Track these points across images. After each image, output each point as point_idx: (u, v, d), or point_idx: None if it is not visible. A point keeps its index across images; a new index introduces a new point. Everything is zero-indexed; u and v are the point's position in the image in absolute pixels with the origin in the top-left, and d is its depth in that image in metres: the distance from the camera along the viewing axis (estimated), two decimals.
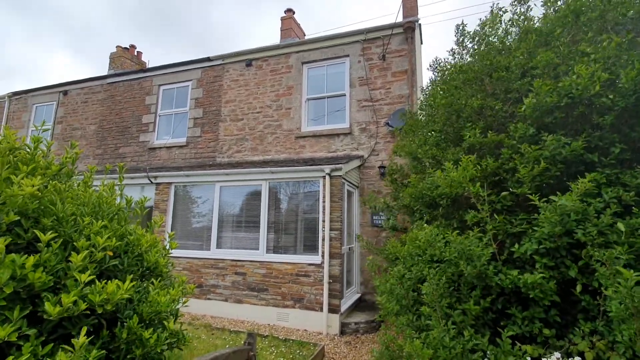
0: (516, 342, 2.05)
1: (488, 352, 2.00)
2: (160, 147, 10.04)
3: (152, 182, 7.60)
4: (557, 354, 1.90)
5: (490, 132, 2.56)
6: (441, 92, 3.36)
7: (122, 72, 11.47)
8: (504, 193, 2.35)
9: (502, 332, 2.19)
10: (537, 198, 2.08)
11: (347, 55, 8.53)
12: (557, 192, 2.09)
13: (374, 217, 7.53)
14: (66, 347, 1.42)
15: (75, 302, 1.51)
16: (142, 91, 10.68)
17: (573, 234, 1.91)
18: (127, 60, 14.25)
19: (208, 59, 9.82)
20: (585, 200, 1.96)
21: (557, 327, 2.07)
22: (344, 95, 8.47)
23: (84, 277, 1.53)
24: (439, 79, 4.36)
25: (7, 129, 1.84)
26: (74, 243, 1.67)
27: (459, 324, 2.16)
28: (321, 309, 5.93)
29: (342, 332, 5.87)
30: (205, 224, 7.30)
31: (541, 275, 1.86)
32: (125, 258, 1.99)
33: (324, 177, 6.34)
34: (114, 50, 14.21)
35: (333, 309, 5.90)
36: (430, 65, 4.58)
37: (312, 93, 8.82)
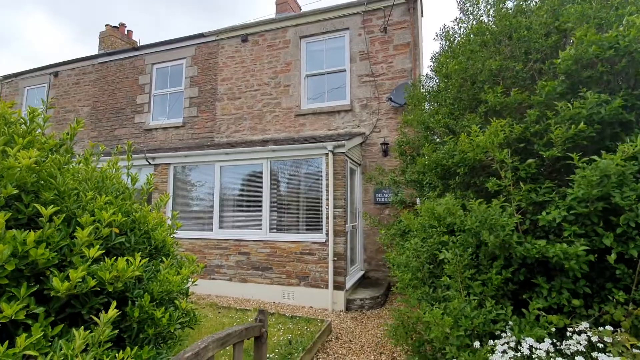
0: (540, 312, 2.00)
1: (511, 322, 1.95)
2: (157, 128, 9.81)
3: (150, 163, 7.44)
4: (585, 324, 1.85)
5: (514, 90, 2.43)
6: (454, 58, 3.20)
7: (113, 51, 11.07)
8: (529, 160, 2.24)
9: (526, 304, 2.14)
10: (574, 159, 1.97)
11: (347, 29, 8.22)
12: (589, 156, 1.99)
13: (377, 195, 7.46)
14: (94, 317, 1.35)
15: (84, 279, 1.41)
16: (135, 70, 10.34)
17: (610, 199, 1.82)
18: (117, 40, 13.78)
19: (202, 35, 9.45)
20: (619, 164, 1.86)
21: (582, 296, 2.01)
22: (344, 70, 8.22)
23: (92, 252, 1.43)
24: (447, 47, 4.17)
25: (1, 101, 1.71)
26: (78, 219, 1.56)
27: (478, 295, 2.10)
28: (326, 286, 5.94)
29: (348, 309, 5.90)
30: (207, 204, 7.21)
31: (584, 247, 1.77)
32: (132, 236, 1.88)
33: (326, 155, 6.21)
34: (103, 29, 13.73)
35: (338, 286, 5.91)
36: (437, 34, 4.39)
37: (311, 69, 8.55)
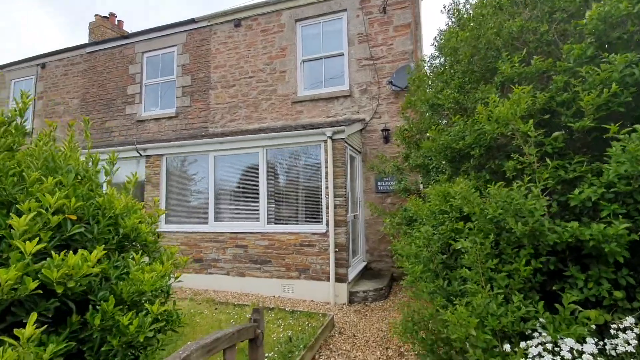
0: (577, 307, 1.72)
1: (543, 320, 1.67)
2: (149, 119, 9.47)
3: (141, 155, 7.12)
4: (630, 319, 1.58)
5: (535, 57, 2.11)
6: (463, 28, 2.88)
7: (102, 40, 10.66)
8: (556, 133, 1.94)
9: (555, 296, 1.87)
10: (610, 129, 1.68)
11: (344, 10, 7.84)
12: (626, 126, 1.70)
13: (379, 183, 7.18)
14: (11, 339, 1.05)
15: (21, 280, 1.13)
16: (125, 60, 9.95)
17: None
18: (107, 30, 13.36)
19: (193, 21, 9.06)
20: None
21: (624, 287, 1.73)
22: (342, 54, 7.86)
23: (30, 247, 1.14)
24: (456, 19, 3.84)
25: None
26: (18, 205, 1.26)
27: (504, 288, 1.82)
28: (328, 279, 5.69)
29: (351, 301, 5.66)
30: (201, 196, 6.92)
31: (625, 225, 1.49)
32: (94, 224, 1.59)
33: (325, 141, 5.90)
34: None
35: (340, 278, 5.66)
36: (444, 7, 4.05)
37: (308, 54, 8.19)
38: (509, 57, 2.27)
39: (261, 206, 6.32)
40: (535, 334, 1.63)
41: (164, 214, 6.94)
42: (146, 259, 2.12)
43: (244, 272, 6.26)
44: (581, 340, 1.54)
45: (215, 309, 5.16)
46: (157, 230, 6.46)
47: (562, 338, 1.55)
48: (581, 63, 2.03)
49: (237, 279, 6.29)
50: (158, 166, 7.15)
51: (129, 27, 16.74)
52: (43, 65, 11.11)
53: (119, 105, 9.88)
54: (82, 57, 10.58)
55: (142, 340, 1.37)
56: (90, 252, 1.38)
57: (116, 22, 14.38)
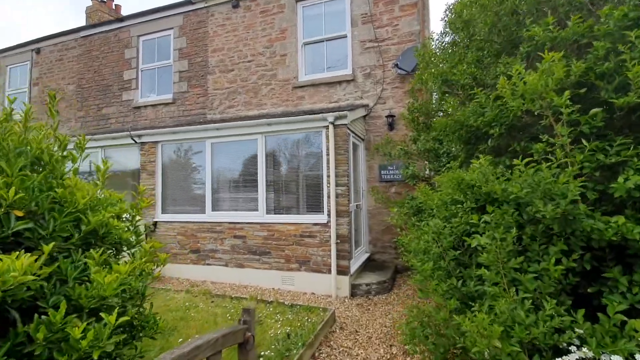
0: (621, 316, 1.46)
1: (581, 331, 1.41)
2: (146, 106, 9.18)
3: (136, 142, 6.87)
4: None
5: (573, 17, 1.81)
6: None
7: (96, 23, 10.30)
8: (595, 110, 1.65)
9: (588, 300, 1.61)
10: None
11: None
12: None
13: (382, 172, 6.90)
14: None
15: None
16: (120, 44, 9.62)
17: None
18: (105, 15, 12.96)
19: (189, 2, 8.67)
20: None
21: None
22: (345, 36, 7.48)
23: None
24: None
25: None
26: None
27: (532, 292, 1.56)
28: (329, 271, 5.47)
29: (353, 295, 5.46)
30: (199, 185, 6.68)
31: None
32: (50, 220, 1.34)
33: (327, 127, 5.61)
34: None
35: (342, 271, 5.44)
36: None
37: (309, 36, 7.81)
38: (532, 23, 1.97)
39: (260, 195, 6.08)
40: (572, 348, 1.38)
41: (162, 204, 6.72)
42: (125, 255, 1.89)
43: (243, 264, 6.06)
44: (629, 357, 1.29)
45: (212, 302, 4.97)
46: (154, 220, 6.15)
47: (606, 353, 1.30)
48: (623, 27, 1.73)
49: (235, 270, 6.10)
50: (153, 154, 6.90)
51: (127, 12, 16.30)
52: (38, 51, 10.81)
53: (115, 92, 9.59)
54: (77, 42, 10.25)
55: (95, 357, 1.12)
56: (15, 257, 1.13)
57: (113, 7, 13.95)
